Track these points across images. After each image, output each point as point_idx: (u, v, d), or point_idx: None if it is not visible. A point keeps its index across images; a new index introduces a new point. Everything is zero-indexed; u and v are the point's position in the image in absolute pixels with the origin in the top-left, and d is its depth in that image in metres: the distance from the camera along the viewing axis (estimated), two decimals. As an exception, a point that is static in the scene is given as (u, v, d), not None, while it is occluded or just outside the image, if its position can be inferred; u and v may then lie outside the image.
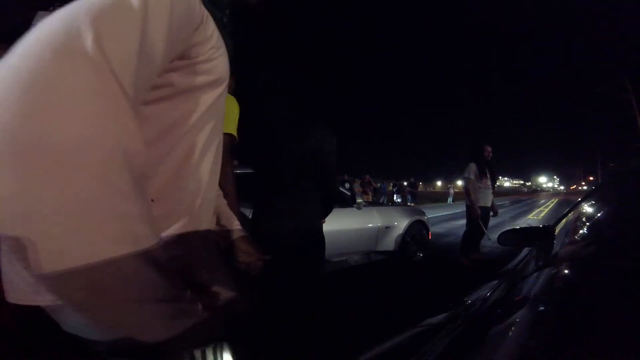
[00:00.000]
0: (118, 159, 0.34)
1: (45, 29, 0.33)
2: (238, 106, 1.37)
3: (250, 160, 1.54)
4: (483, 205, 3.84)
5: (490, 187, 3.91)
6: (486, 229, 3.89)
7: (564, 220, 1.22)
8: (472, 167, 3.82)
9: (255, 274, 0.80)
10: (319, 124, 1.40)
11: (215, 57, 0.52)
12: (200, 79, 0.51)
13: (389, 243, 3.82)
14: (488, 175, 3.85)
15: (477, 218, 3.78)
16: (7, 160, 0.30)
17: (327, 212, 1.54)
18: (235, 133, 1.28)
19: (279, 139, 1.38)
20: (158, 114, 0.48)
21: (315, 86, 1.46)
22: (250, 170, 2.88)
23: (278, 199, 1.41)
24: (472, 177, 3.80)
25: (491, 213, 4.04)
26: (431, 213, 11.07)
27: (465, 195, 3.91)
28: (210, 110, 0.54)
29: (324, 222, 1.60)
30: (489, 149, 3.91)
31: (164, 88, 0.48)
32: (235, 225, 0.82)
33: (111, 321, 0.42)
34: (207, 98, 0.53)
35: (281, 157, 1.38)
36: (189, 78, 0.50)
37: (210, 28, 0.51)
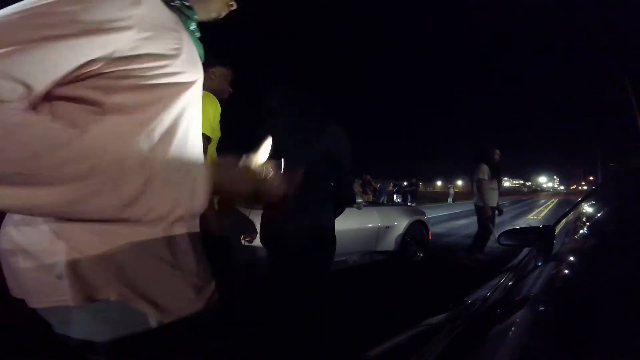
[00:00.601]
0: None
1: None
2: (218, 106, 1.37)
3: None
4: (491, 205, 3.96)
5: (497, 187, 4.06)
6: (493, 227, 4.00)
7: (564, 220, 1.22)
8: (485, 168, 3.94)
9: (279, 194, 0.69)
10: (331, 124, 1.39)
11: (173, 56, 0.54)
12: (164, 79, 0.53)
13: (389, 243, 3.82)
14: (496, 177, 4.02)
15: (489, 219, 3.88)
16: None
17: (338, 212, 1.52)
18: (210, 133, 1.27)
19: (288, 139, 1.38)
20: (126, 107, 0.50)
21: (318, 87, 1.45)
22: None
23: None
24: (485, 177, 3.91)
25: (497, 212, 4.15)
26: (431, 213, 11.06)
27: (478, 196, 3.99)
28: (185, 106, 0.57)
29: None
30: (498, 151, 4.11)
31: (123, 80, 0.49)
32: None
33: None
34: (175, 94, 0.55)
35: (290, 157, 1.37)
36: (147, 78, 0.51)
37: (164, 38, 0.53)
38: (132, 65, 0.49)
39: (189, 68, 0.57)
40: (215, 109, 1.36)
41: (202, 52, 0.65)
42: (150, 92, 0.51)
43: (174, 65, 0.53)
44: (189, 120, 0.58)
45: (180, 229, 0.57)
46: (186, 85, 0.56)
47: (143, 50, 0.50)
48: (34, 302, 0.51)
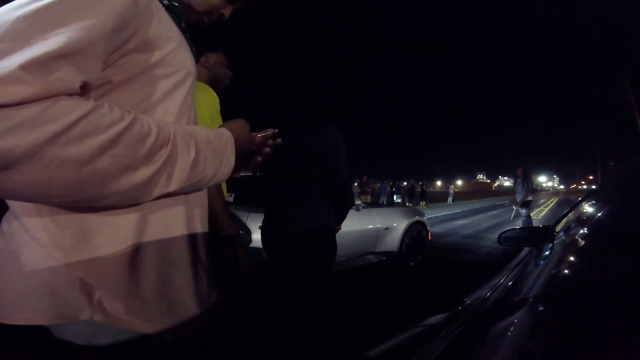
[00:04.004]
0: None
1: None
2: (214, 96, 1.29)
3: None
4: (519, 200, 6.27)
5: (519, 191, 6.27)
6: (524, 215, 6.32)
7: (564, 220, 1.22)
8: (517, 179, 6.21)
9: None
10: (326, 126, 1.37)
11: (178, 53, 0.54)
12: (171, 74, 0.53)
13: (389, 244, 3.81)
14: None
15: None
16: None
17: (340, 217, 1.49)
18: (207, 126, 1.20)
19: (282, 142, 1.37)
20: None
21: (315, 88, 1.45)
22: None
23: (284, 202, 1.40)
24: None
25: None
26: (431, 213, 11.06)
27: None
28: (184, 104, 0.56)
29: (340, 229, 1.56)
30: (520, 169, 6.24)
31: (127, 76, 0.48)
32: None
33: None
34: (178, 92, 0.55)
35: (286, 159, 1.37)
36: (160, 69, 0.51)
37: (164, 25, 0.53)
38: (139, 57, 0.49)
39: (186, 62, 0.57)
40: (211, 99, 1.30)
41: (194, 49, 0.66)
42: (150, 85, 0.51)
43: (174, 60, 0.53)
44: (187, 114, 0.58)
45: (183, 229, 0.56)
46: (184, 78, 0.56)
47: (150, 43, 0.50)
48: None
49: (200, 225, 0.61)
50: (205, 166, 0.52)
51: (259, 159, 0.68)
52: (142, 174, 0.43)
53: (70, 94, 0.38)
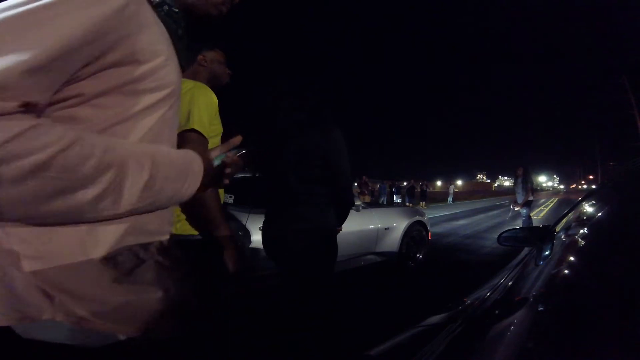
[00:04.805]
0: None
1: None
2: (211, 97, 1.24)
3: (256, 165, 1.51)
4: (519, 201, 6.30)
5: (520, 191, 6.30)
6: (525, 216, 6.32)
7: (564, 220, 1.22)
8: (517, 180, 6.25)
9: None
10: (328, 128, 1.37)
11: (164, 67, 0.53)
12: (153, 89, 0.52)
13: (389, 244, 3.80)
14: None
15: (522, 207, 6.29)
16: None
17: (341, 218, 1.49)
18: (201, 128, 1.14)
19: (283, 143, 1.36)
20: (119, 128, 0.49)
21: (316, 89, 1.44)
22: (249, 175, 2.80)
23: (284, 203, 1.39)
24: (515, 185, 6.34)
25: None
26: (431, 213, 11.06)
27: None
28: (163, 122, 0.55)
29: (341, 230, 1.56)
30: (520, 169, 6.23)
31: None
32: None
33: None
34: (159, 109, 0.54)
35: (286, 160, 1.36)
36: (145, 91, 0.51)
37: (153, 37, 0.52)
38: (120, 71, 0.48)
39: (171, 77, 0.56)
40: (210, 100, 1.26)
41: (190, 57, 0.65)
42: (129, 100, 0.50)
43: (158, 75, 0.52)
44: (164, 132, 0.57)
45: (150, 236, 0.54)
46: (167, 94, 0.55)
47: (134, 56, 0.48)
48: None
49: (168, 230, 0.59)
50: (163, 186, 0.51)
51: (227, 181, 0.67)
52: (82, 196, 0.42)
53: (7, 113, 0.37)
